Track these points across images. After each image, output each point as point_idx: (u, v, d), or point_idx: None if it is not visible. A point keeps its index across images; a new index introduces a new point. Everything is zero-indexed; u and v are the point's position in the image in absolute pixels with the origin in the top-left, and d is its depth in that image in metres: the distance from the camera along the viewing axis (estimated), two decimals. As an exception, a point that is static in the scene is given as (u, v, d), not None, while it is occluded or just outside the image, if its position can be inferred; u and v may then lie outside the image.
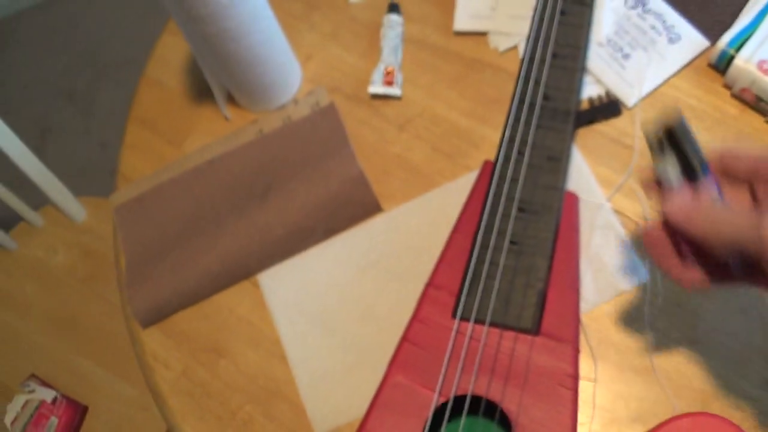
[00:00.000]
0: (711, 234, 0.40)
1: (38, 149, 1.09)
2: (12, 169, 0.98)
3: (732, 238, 0.39)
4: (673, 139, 0.43)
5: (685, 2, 0.68)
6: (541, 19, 0.63)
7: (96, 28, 1.85)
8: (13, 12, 1.95)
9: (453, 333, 0.54)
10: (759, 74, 0.61)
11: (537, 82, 0.60)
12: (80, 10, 1.91)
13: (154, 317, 0.65)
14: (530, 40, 0.63)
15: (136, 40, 1.39)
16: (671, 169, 0.43)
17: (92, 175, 1.38)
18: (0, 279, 1.07)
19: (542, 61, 0.61)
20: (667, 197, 0.43)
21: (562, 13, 0.63)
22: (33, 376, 0.99)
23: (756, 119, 0.63)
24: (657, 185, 0.45)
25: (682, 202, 0.41)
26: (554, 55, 0.61)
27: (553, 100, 0.60)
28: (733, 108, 0.64)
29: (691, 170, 0.42)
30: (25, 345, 1.03)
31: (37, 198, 1.07)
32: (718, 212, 0.40)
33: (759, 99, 0.62)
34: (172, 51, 0.80)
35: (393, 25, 0.72)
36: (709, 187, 0.42)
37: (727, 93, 0.64)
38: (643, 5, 0.68)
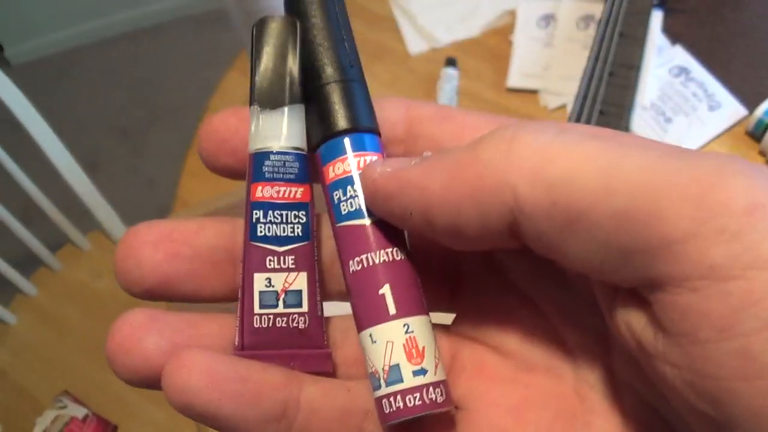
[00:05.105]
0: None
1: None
2: (63, 189, 1.00)
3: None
4: None
5: (727, 72, 0.72)
6: (590, 79, 0.68)
7: (155, 71, 1.93)
8: (74, 46, 2.03)
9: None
10: (794, 145, 0.65)
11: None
12: (141, 52, 1.99)
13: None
14: (579, 99, 0.68)
15: (193, 88, 1.45)
16: None
17: (138, 211, 1.42)
18: (43, 298, 1.11)
19: (589, 119, 0.66)
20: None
21: (611, 74, 0.68)
22: (66, 393, 1.01)
23: (790, 187, 0.66)
24: None
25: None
26: (601, 113, 0.66)
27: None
28: (769, 175, 0.67)
29: None
30: (61, 363, 1.06)
31: (84, 223, 1.11)
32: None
33: (794, 168, 0.65)
34: (236, 86, 0.85)
35: (449, 78, 0.77)
36: None
37: (763, 160, 0.68)
38: (687, 74, 0.72)
